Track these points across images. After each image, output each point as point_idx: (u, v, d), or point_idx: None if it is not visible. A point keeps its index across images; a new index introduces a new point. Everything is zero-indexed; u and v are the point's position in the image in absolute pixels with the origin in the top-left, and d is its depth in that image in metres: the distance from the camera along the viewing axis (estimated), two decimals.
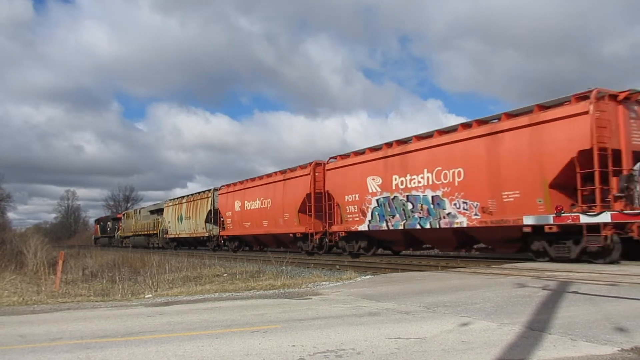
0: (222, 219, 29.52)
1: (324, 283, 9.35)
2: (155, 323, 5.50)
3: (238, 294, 8.31)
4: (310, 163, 21.27)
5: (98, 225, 54.60)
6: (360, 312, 5.66)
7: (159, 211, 40.11)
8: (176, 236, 36.08)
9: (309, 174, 20.89)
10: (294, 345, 4.02)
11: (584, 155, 11.13)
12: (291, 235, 22.47)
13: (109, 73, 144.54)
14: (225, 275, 14.23)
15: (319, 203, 20.72)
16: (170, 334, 4.79)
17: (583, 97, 11.44)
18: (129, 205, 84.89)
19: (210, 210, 30.76)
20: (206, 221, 31.13)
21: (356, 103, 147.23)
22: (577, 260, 11.43)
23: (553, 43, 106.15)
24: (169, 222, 37.45)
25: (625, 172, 11.12)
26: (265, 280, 10.48)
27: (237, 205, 27.26)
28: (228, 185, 29.45)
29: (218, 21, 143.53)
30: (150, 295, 8.85)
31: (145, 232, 41.84)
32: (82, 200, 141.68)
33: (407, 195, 16.12)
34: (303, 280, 10.07)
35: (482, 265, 12.64)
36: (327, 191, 20.17)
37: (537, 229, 12.14)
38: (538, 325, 4.46)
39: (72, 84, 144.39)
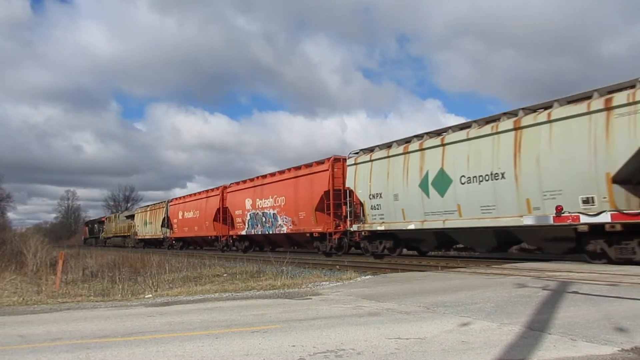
0: (173, 223, 36.35)
1: (324, 283, 9.35)
2: (155, 323, 5.50)
3: (238, 294, 8.31)
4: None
5: (87, 227, 62.47)
6: (360, 312, 5.66)
7: (132, 217, 47.89)
8: (143, 237, 43.42)
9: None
10: (294, 345, 4.02)
11: (326, 193, 20.03)
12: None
13: (108, 73, 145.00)
14: (225, 275, 14.23)
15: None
16: (170, 334, 4.79)
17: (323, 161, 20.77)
18: (129, 205, 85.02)
19: (164, 217, 37.80)
20: (162, 225, 38.34)
21: (355, 103, 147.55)
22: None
23: (552, 43, 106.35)
24: (138, 226, 44.97)
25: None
26: (265, 280, 10.48)
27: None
28: (182, 197, 36.31)
29: (216, 21, 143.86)
30: (150, 295, 8.85)
31: (122, 234, 49.66)
32: (82, 200, 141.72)
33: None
34: (303, 280, 10.06)
35: (482, 265, 12.64)
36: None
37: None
38: (538, 326, 4.46)
39: (71, 83, 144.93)
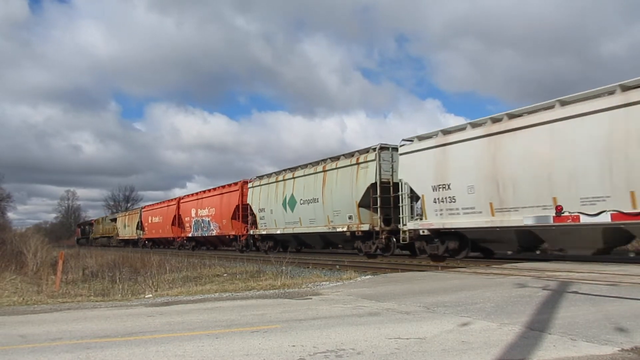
0: (145, 226, 43.85)
1: (324, 283, 9.34)
2: (155, 323, 5.50)
3: (238, 294, 8.31)
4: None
5: (79, 229, 68.63)
6: (360, 312, 5.66)
7: (116, 220, 55.41)
8: (123, 238, 50.11)
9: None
10: (294, 345, 4.02)
11: (236, 207, 27.33)
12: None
13: (106, 73, 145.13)
14: (225, 275, 14.23)
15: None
16: (170, 334, 4.79)
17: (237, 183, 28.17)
18: (129, 205, 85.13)
19: (139, 221, 44.81)
20: (137, 228, 45.16)
21: (354, 103, 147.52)
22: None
23: (552, 43, 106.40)
24: (119, 228, 52.11)
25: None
26: (265, 280, 10.48)
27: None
28: (151, 204, 46.40)
29: (215, 20, 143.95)
30: (151, 295, 8.85)
31: (108, 235, 56.47)
32: (82, 200, 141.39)
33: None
34: (303, 280, 10.06)
35: (482, 265, 12.64)
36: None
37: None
38: (538, 325, 4.46)
39: (70, 84, 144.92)
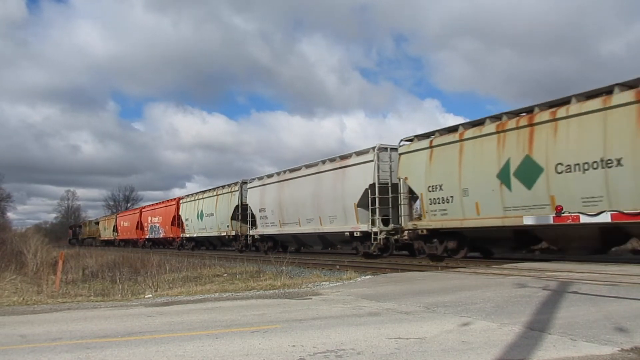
0: (119, 228, 53.22)
1: (324, 283, 9.35)
2: (155, 323, 5.50)
3: (238, 294, 8.31)
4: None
5: (71, 230, 75.21)
6: (360, 312, 5.66)
7: (98, 223, 64.20)
8: (103, 239, 58.62)
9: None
10: (294, 346, 4.02)
11: (174, 216, 38.34)
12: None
13: (105, 72, 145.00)
14: (225, 275, 14.23)
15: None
16: (170, 334, 4.79)
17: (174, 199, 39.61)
18: (129, 205, 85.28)
19: (114, 225, 54.03)
20: (113, 230, 54.48)
21: (353, 103, 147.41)
22: None
23: (550, 42, 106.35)
24: (101, 230, 60.67)
25: None
26: (265, 280, 10.48)
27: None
28: (125, 211, 57.97)
29: (212, 20, 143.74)
30: (150, 295, 8.85)
31: (92, 236, 64.48)
32: (81, 200, 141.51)
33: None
34: (303, 280, 10.07)
35: (482, 265, 12.64)
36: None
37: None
38: (538, 326, 4.46)
39: (68, 83, 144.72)
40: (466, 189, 14.07)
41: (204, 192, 32.97)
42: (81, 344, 4.45)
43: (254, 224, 25.85)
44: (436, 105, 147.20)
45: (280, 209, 23.10)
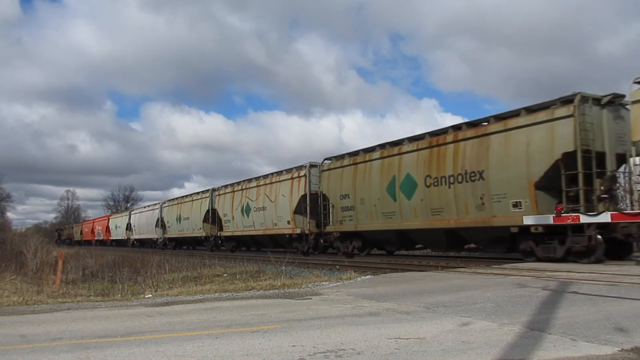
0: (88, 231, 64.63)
1: (324, 283, 9.34)
2: (155, 323, 5.50)
3: (238, 294, 8.31)
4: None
5: (57, 232, 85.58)
6: (360, 312, 5.66)
7: (72, 227, 78.92)
8: (74, 239, 71.51)
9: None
10: (294, 345, 4.02)
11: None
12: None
13: (101, 72, 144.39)
14: (225, 275, 14.23)
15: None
16: (170, 334, 4.79)
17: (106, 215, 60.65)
18: (128, 205, 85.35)
19: (80, 229, 69.22)
20: (79, 233, 69.49)
21: (351, 102, 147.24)
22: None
23: (548, 41, 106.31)
24: (75, 232, 74.42)
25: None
26: (265, 280, 10.48)
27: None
28: (93, 219, 71.64)
29: (208, 19, 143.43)
30: (150, 295, 8.85)
31: (70, 237, 75.95)
32: (80, 200, 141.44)
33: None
34: (303, 280, 10.06)
35: (482, 265, 12.64)
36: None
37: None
38: (538, 326, 4.46)
39: (64, 83, 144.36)
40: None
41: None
42: (81, 344, 4.45)
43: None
44: (434, 105, 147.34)
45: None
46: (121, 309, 6.94)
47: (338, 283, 9.26)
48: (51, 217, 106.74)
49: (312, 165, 21.71)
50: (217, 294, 8.47)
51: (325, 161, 20.92)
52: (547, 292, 6.62)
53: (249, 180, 27.19)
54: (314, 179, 21.36)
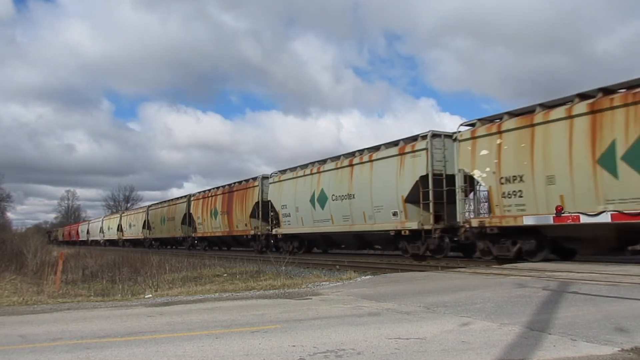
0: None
1: (323, 283, 9.34)
2: (155, 323, 5.50)
3: (238, 294, 8.31)
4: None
5: (48, 234, 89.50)
6: (360, 312, 5.66)
7: (57, 230, 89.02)
8: (58, 240, 79.76)
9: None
10: (294, 346, 4.02)
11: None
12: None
13: (97, 72, 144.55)
14: (225, 275, 14.23)
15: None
16: (170, 334, 4.79)
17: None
18: (128, 205, 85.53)
19: (62, 232, 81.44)
20: (61, 235, 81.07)
21: (348, 102, 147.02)
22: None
23: (545, 40, 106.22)
24: (59, 234, 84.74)
25: None
26: (265, 281, 10.48)
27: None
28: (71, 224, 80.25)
29: (202, 18, 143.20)
30: (150, 295, 8.85)
31: (57, 238, 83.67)
32: (80, 200, 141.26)
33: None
34: (303, 280, 10.06)
35: (482, 265, 12.63)
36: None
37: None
38: (538, 326, 4.45)
39: (60, 82, 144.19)
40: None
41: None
42: (81, 344, 4.45)
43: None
44: (432, 104, 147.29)
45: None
46: (121, 309, 6.94)
47: (338, 283, 9.26)
48: (51, 217, 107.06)
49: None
50: (217, 294, 8.47)
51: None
52: (547, 292, 6.62)
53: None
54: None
